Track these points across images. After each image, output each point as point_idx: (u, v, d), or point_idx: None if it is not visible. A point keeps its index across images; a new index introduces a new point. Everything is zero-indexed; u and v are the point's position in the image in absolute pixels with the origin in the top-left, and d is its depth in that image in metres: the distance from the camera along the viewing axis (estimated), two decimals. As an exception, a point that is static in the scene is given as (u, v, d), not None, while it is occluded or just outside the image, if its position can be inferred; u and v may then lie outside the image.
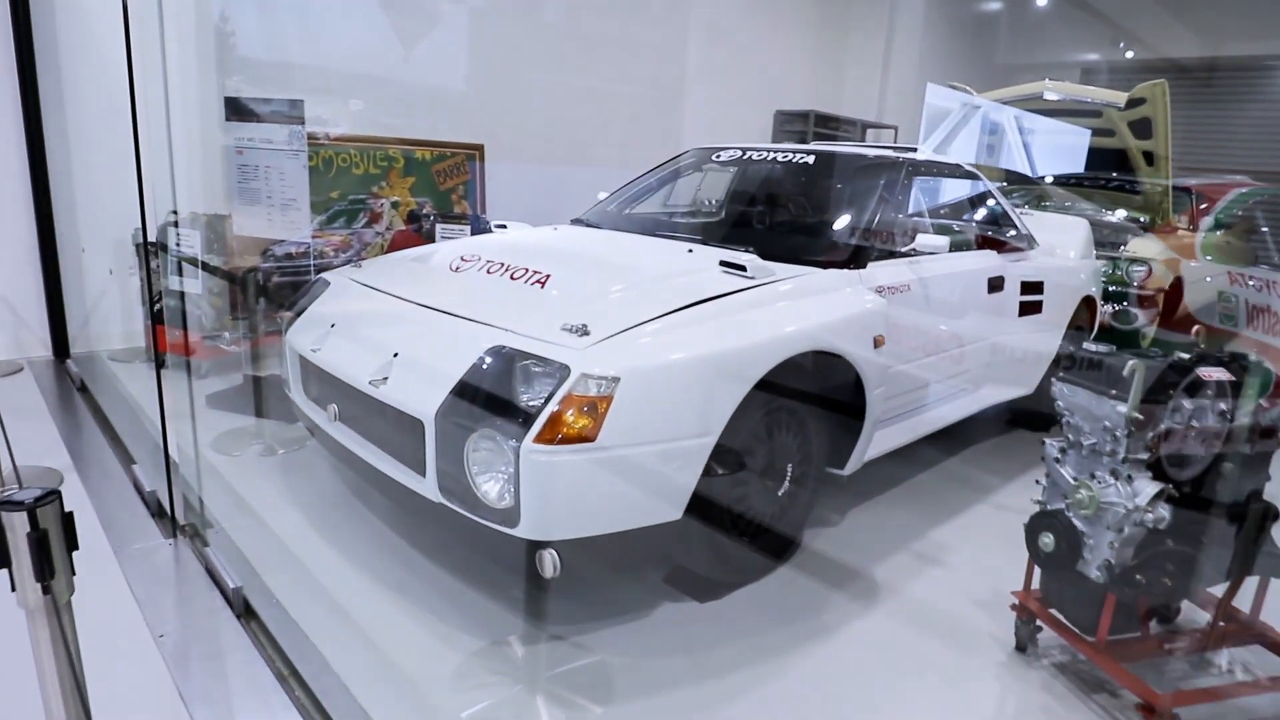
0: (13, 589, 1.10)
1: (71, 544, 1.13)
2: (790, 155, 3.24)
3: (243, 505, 2.77)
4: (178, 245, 3.99)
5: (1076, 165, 6.71)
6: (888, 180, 3.08)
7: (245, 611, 2.14)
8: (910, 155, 3.29)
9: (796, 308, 2.29)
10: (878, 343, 2.44)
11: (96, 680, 1.26)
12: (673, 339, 2.00)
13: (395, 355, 2.15)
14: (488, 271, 2.54)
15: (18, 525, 1.06)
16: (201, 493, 2.71)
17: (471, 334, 2.08)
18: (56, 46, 4.21)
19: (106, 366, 4.36)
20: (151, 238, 4.09)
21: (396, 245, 5.53)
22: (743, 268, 2.36)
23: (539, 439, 1.75)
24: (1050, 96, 5.87)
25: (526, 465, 1.76)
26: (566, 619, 2.14)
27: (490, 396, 1.89)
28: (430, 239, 5.37)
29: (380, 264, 2.95)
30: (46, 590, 1.09)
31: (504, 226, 3.32)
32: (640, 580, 2.35)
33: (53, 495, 1.09)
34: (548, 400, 1.80)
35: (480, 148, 6.31)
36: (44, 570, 1.07)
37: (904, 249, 2.78)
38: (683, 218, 3.54)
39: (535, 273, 2.43)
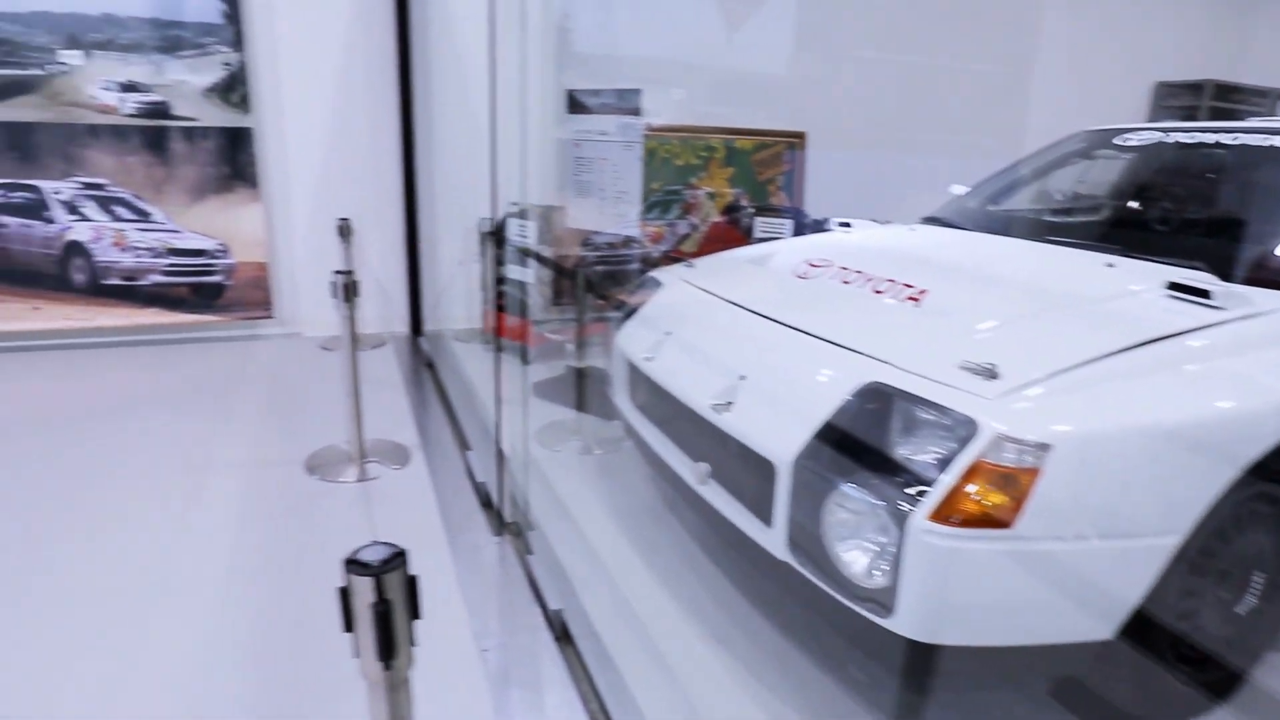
0: (355, 655, 0.96)
1: (414, 612, 0.96)
2: (1244, 137, 2.43)
3: (562, 508, 2.71)
4: (517, 235, 4.14)
5: None
6: None
7: (563, 635, 2.02)
8: None
9: (1303, 356, 1.61)
10: None
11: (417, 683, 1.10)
12: (1119, 394, 1.46)
13: (741, 378, 1.86)
14: (843, 281, 2.16)
15: (362, 592, 0.90)
16: (528, 492, 2.68)
17: (836, 362, 1.72)
18: (428, 54, 4.57)
19: (450, 345, 4.72)
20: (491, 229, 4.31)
21: (711, 238, 5.37)
22: (1205, 294, 1.73)
23: (936, 516, 1.35)
24: None
25: (916, 546, 1.36)
26: (926, 727, 1.72)
27: (864, 447, 1.52)
28: (747, 233, 5.11)
29: (714, 264, 2.71)
30: (388, 666, 0.93)
31: (848, 225, 2.92)
32: (1019, 684, 1.84)
33: (399, 558, 0.92)
34: (947, 464, 1.38)
35: (802, 135, 5.92)
36: (386, 646, 0.91)
37: None
38: (1078, 218, 2.86)
39: (905, 286, 2.01)
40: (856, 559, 1.51)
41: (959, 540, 1.33)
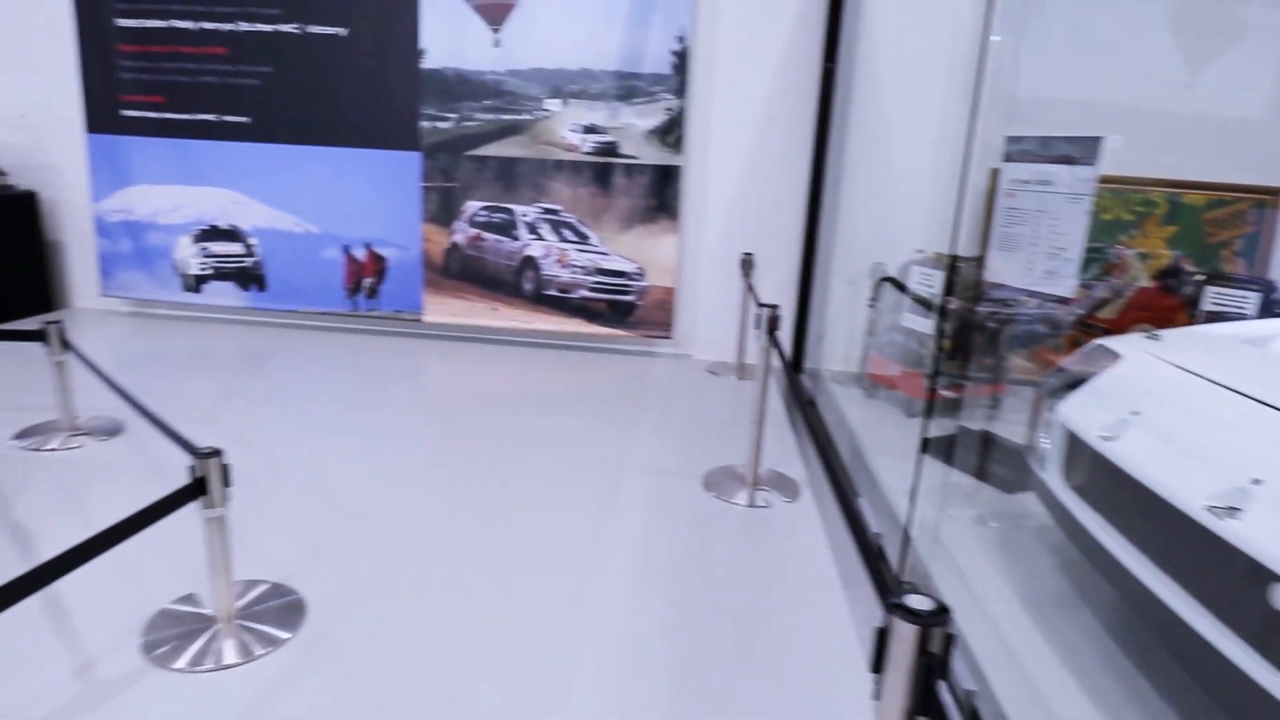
0: (875, 698, 0.97)
1: (943, 673, 0.94)
2: None
3: (961, 579, 2.54)
4: (920, 284, 4.03)
5: None
6: None
7: (971, 718, 1.87)
8: None
9: None
10: None
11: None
12: None
13: (1255, 481, 1.57)
14: (1402, 382, 1.72)
15: (904, 638, 0.91)
16: (927, 555, 2.57)
17: None
18: (848, 107, 4.66)
19: (827, 385, 4.74)
20: (893, 274, 4.24)
21: (1137, 305, 4.71)
22: None
23: None
24: None
25: None
26: None
27: None
28: (1190, 304, 4.40)
29: (1189, 340, 2.34)
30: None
31: (1383, 309, 2.33)
32: None
33: (944, 614, 0.91)
34: None
35: (1277, 191, 4.94)
36: (922, 701, 0.90)
37: None
38: None
39: None
40: None
41: None
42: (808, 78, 4.60)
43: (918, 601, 0.91)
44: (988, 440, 3.47)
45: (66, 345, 3.12)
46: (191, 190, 5.22)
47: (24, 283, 5.27)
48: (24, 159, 5.34)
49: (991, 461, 3.31)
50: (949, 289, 3.96)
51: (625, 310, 4.98)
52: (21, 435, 3.22)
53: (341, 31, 4.80)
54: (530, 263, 5.00)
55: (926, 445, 2.98)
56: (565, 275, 4.97)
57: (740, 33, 4.60)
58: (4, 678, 1.85)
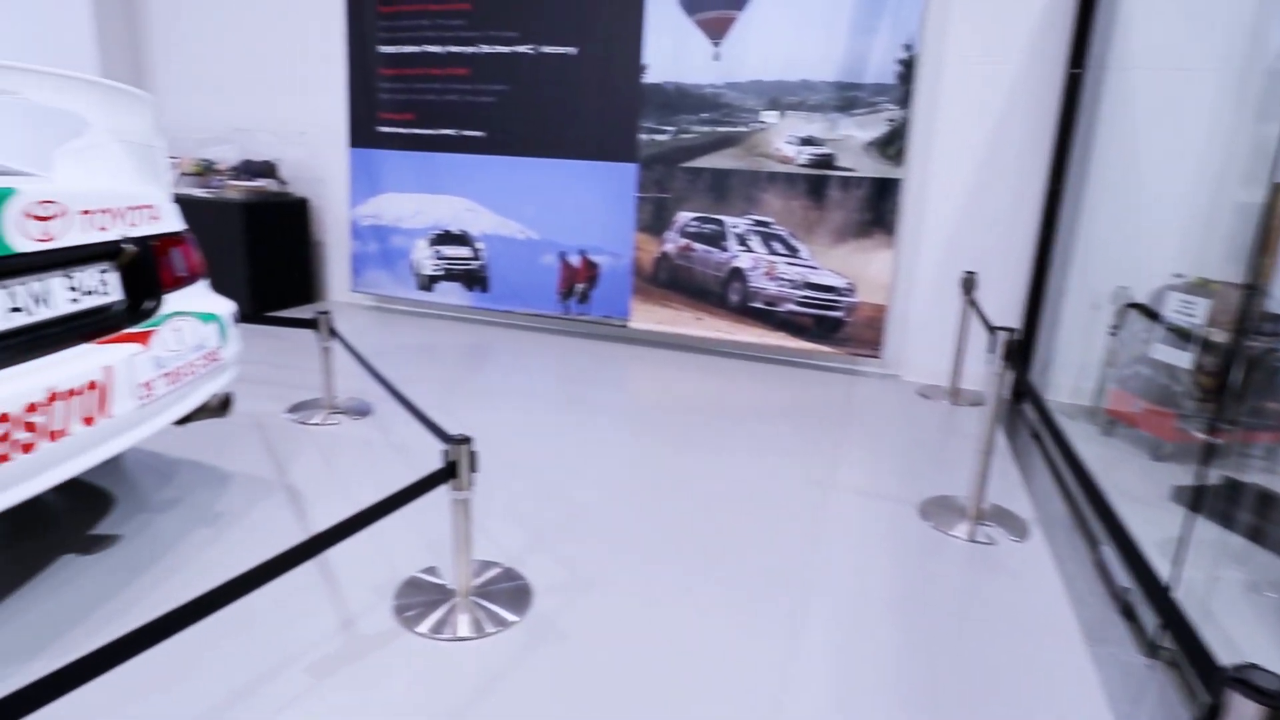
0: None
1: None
2: None
3: (1234, 654, 2.21)
4: (1178, 312, 3.60)
5: None
6: None
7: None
8: None
9: None
10: None
11: None
12: None
13: None
14: None
15: (1240, 712, 0.79)
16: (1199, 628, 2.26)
17: None
18: (1095, 120, 4.25)
19: (1055, 418, 4.33)
20: (1142, 299, 3.81)
21: None
22: None
23: None
24: None
25: None
26: None
27: None
28: None
29: None
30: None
31: None
32: None
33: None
34: None
35: None
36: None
37: None
38: None
39: None
40: None
41: None
42: (1048, 85, 4.26)
43: (1261, 677, 0.79)
44: (1265, 496, 3.00)
45: (333, 333, 3.53)
46: (430, 198, 5.73)
47: (296, 277, 6.05)
48: (300, 170, 6.13)
49: (1270, 521, 2.86)
50: (1241, 321, 3.47)
51: (832, 326, 4.86)
52: (293, 409, 3.68)
53: (572, 51, 5.08)
54: (738, 274, 5.01)
55: (1198, 497, 2.61)
56: (773, 288, 4.93)
57: (973, 40, 4.34)
58: (286, 625, 2.11)
